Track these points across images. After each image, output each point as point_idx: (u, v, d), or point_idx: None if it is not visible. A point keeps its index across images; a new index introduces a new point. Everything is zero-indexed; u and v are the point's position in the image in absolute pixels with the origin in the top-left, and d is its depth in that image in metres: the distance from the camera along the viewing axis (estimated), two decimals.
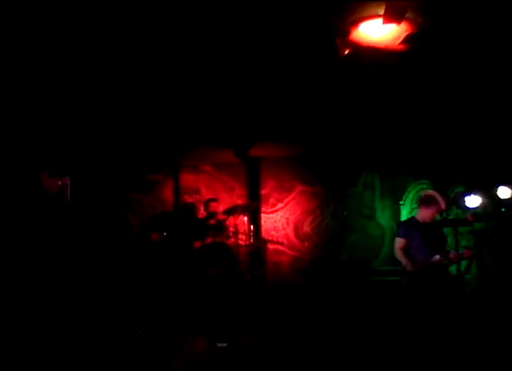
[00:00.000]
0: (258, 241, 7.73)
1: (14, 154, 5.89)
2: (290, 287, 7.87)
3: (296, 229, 8.34)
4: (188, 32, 3.82)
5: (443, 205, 5.00)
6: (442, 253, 4.79)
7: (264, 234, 8.17)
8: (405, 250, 4.95)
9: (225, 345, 4.53)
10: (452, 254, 4.78)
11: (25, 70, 4.51)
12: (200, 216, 7.45)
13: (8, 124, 5.64)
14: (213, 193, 8.04)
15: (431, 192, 5.25)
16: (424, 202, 5.05)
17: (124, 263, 6.06)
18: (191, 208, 7.52)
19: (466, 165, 7.50)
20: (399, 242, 5.01)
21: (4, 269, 3.93)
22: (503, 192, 5.79)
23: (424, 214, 5.02)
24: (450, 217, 5.60)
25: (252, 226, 7.48)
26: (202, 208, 7.52)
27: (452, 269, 5.01)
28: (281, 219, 8.36)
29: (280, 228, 8.34)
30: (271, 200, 8.36)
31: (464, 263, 5.26)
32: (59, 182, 4.17)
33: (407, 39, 3.70)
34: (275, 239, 8.18)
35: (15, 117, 5.59)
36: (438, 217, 5.12)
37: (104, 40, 3.93)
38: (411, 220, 5.18)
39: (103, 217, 7.40)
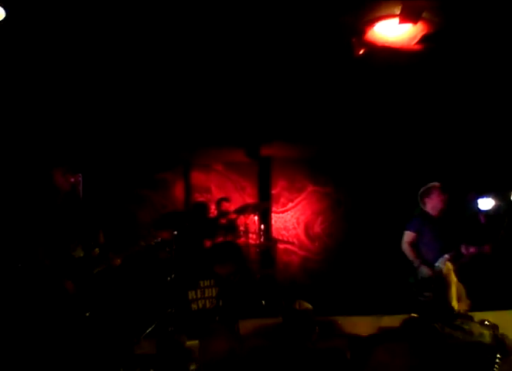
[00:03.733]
0: (269, 241, 7.73)
1: (27, 152, 5.94)
2: (300, 287, 7.85)
3: (307, 229, 8.32)
4: (201, 31, 3.82)
5: (442, 193, 4.91)
6: (453, 251, 4.67)
7: (274, 234, 8.16)
8: (413, 244, 4.84)
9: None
10: (464, 249, 4.66)
11: (38, 69, 4.55)
12: (211, 215, 7.45)
13: (21, 122, 5.69)
14: (224, 192, 8.04)
15: (429, 184, 5.11)
16: (425, 193, 4.98)
17: (134, 260, 6.08)
18: (202, 207, 7.52)
19: (479, 167, 7.43)
20: (408, 236, 4.89)
21: (16, 265, 3.96)
22: None
23: (431, 206, 4.93)
24: None
25: (263, 226, 7.48)
26: (213, 207, 7.52)
27: None
28: (292, 219, 8.35)
29: (290, 228, 8.33)
30: (282, 200, 8.35)
31: None
32: (72, 180, 4.18)
33: (424, 39, 3.67)
34: (285, 239, 8.18)
35: (28, 116, 5.63)
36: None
37: (117, 41, 3.96)
38: (423, 214, 5.01)
39: (114, 214, 7.43)
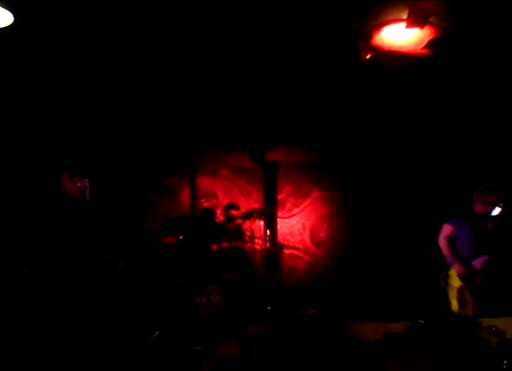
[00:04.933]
0: (274, 246, 7.71)
1: (35, 156, 5.97)
2: (305, 292, 7.83)
3: (312, 234, 8.30)
4: (209, 38, 3.84)
5: (498, 198, 4.68)
6: (492, 254, 4.60)
7: (280, 239, 8.15)
8: (450, 239, 4.76)
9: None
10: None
11: (47, 74, 4.58)
12: (217, 220, 7.44)
13: (29, 126, 5.72)
14: (230, 198, 8.05)
15: (490, 187, 4.87)
16: (479, 193, 4.82)
17: (140, 264, 6.08)
18: (208, 212, 7.52)
19: (488, 172, 7.39)
20: (445, 229, 4.80)
21: (23, 269, 3.97)
22: None
23: (478, 207, 4.78)
24: None
25: (268, 231, 7.47)
26: (219, 212, 7.52)
27: None
28: (298, 224, 8.33)
29: (296, 233, 8.32)
30: (288, 205, 8.34)
31: None
32: (79, 184, 4.20)
33: (431, 44, 3.67)
34: (291, 245, 8.16)
35: (36, 120, 5.66)
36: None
37: (128, 48, 3.99)
38: (468, 211, 4.88)
39: (121, 219, 7.44)
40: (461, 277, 4.66)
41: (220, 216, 7.45)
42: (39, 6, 3.34)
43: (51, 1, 3.28)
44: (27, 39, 3.78)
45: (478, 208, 4.82)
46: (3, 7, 3.21)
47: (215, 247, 6.62)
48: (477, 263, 4.61)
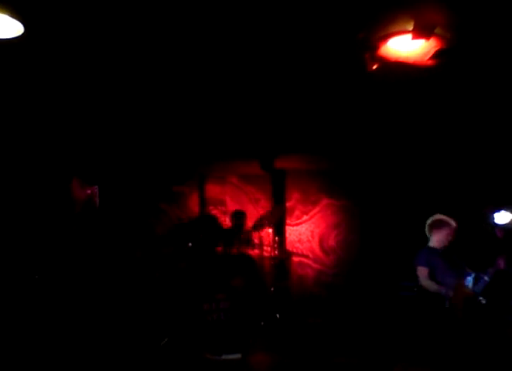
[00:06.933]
0: (283, 253, 7.72)
1: (45, 162, 6.05)
2: (314, 300, 7.82)
3: (321, 242, 8.30)
4: (218, 47, 3.88)
5: (454, 224, 4.92)
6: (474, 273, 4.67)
7: (288, 246, 8.16)
8: (431, 277, 4.81)
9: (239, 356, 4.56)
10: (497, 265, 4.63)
11: (56, 82, 4.64)
12: (225, 227, 7.47)
13: (40, 133, 5.80)
14: (239, 205, 8.08)
15: (438, 215, 5.12)
16: (434, 226, 4.99)
17: (148, 271, 6.13)
18: (212, 219, 7.55)
19: (496, 180, 7.37)
20: (423, 270, 4.85)
21: (33, 275, 4.02)
22: None
23: (438, 239, 4.94)
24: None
25: (277, 238, 7.48)
26: (227, 219, 7.55)
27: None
28: (306, 232, 8.34)
29: (305, 240, 8.32)
30: (297, 212, 8.36)
31: None
32: (89, 191, 4.24)
33: (437, 55, 3.69)
34: (300, 252, 8.16)
35: (47, 127, 5.74)
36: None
37: (138, 56, 4.04)
38: (428, 249, 5.02)
39: (130, 226, 7.50)
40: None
41: (228, 223, 7.48)
42: (49, 16, 3.40)
43: (60, 11, 3.33)
44: (37, 48, 3.84)
45: (435, 240, 4.96)
46: (13, 17, 3.29)
47: (223, 254, 6.66)
48: (469, 283, 4.66)
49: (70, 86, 4.73)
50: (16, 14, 3.25)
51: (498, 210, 5.63)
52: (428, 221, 5.12)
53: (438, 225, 4.99)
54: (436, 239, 4.98)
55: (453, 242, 5.02)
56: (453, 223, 4.96)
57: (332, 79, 4.61)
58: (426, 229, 5.13)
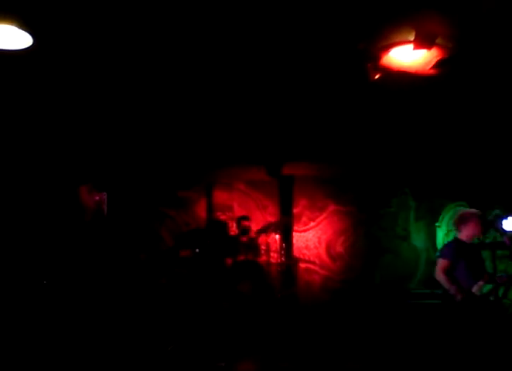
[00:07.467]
0: (290, 260, 7.73)
1: (54, 169, 6.13)
2: (321, 307, 7.82)
3: (328, 248, 8.30)
4: (224, 50, 3.94)
5: (480, 214, 4.84)
6: (485, 276, 4.59)
7: (295, 253, 8.16)
8: (448, 272, 4.71)
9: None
10: (498, 278, 4.56)
11: (65, 91, 4.72)
12: (232, 233, 7.51)
13: (48, 141, 5.88)
14: (246, 211, 8.10)
15: (466, 210, 5.10)
16: (462, 220, 4.91)
17: (156, 276, 6.17)
18: (222, 225, 7.59)
19: (505, 187, 7.35)
20: (443, 263, 4.73)
21: (41, 281, 4.07)
22: None
23: (467, 233, 4.83)
24: (487, 240, 5.47)
25: (284, 245, 7.49)
26: (235, 225, 7.59)
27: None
28: (313, 238, 8.34)
29: (312, 247, 8.33)
30: (304, 219, 8.36)
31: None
32: (97, 197, 4.29)
33: (439, 64, 3.72)
34: (307, 259, 8.17)
35: (55, 135, 5.83)
36: (475, 239, 4.95)
37: (147, 64, 4.11)
38: (457, 241, 4.90)
39: (138, 232, 7.57)
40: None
41: (235, 230, 7.51)
42: (58, 28, 3.48)
43: (69, 23, 3.41)
44: (46, 59, 3.93)
45: (463, 235, 4.86)
46: (22, 29, 3.37)
47: (230, 260, 6.69)
48: (475, 291, 4.62)
49: (78, 94, 4.81)
50: (25, 25, 3.34)
51: (507, 217, 5.59)
52: (453, 219, 5.07)
53: (463, 221, 4.87)
54: (466, 234, 4.84)
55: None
56: (478, 214, 4.85)
57: (339, 88, 4.65)
58: (453, 227, 5.03)
